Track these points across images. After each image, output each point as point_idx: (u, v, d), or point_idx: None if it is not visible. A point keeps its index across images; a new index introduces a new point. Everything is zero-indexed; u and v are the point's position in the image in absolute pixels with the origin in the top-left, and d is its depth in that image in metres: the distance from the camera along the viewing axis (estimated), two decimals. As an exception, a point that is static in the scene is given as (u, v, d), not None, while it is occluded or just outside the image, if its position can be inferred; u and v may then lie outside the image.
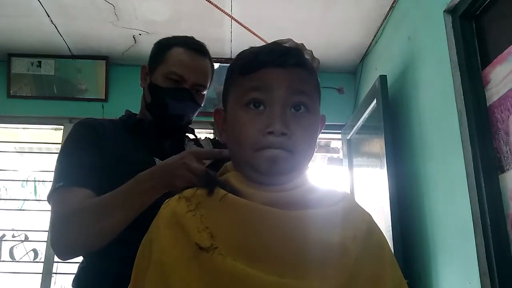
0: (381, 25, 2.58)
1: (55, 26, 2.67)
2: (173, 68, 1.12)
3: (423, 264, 1.94)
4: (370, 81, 2.66)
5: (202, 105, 1.18)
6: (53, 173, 1.03)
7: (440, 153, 1.83)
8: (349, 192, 2.43)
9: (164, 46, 1.17)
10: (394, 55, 2.38)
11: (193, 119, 1.21)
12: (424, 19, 2.01)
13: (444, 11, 1.78)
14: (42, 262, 2.75)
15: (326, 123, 0.76)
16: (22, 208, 3.25)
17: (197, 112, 1.19)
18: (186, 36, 1.18)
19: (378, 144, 2.24)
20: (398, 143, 2.20)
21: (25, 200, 3.46)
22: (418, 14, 2.10)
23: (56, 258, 2.63)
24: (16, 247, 3.40)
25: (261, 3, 2.45)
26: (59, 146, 2.92)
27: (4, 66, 2.96)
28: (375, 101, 2.29)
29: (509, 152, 1.46)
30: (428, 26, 1.95)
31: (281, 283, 0.57)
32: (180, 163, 0.84)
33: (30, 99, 2.96)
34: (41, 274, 2.68)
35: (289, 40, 0.80)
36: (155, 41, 1.21)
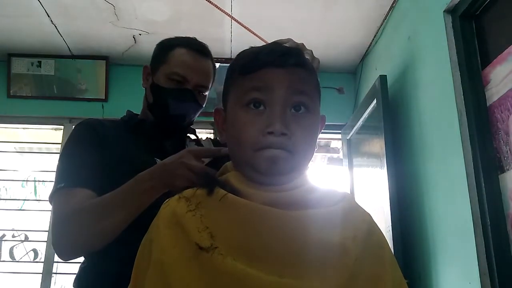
0: (381, 25, 2.58)
1: (55, 26, 2.67)
2: (176, 69, 1.12)
3: (423, 264, 1.94)
4: (370, 81, 2.66)
5: (204, 106, 1.18)
6: (54, 173, 1.03)
7: (440, 153, 1.83)
8: (349, 192, 2.43)
9: (166, 46, 1.17)
10: (394, 55, 2.38)
11: (194, 120, 1.21)
12: (424, 19, 2.01)
13: (444, 11, 1.78)
14: (42, 262, 2.75)
15: (326, 123, 0.76)
16: (22, 208, 3.25)
17: (199, 113, 1.19)
18: (188, 37, 1.18)
19: (378, 144, 2.24)
20: (398, 143, 2.20)
21: (25, 200, 3.46)
22: (418, 14, 2.10)
23: (56, 258, 2.64)
24: (16, 247, 3.40)
25: (261, 3, 2.45)
26: (59, 146, 2.92)
27: (4, 66, 2.96)
28: (375, 101, 2.29)
29: (509, 152, 1.46)
30: (428, 26, 1.95)
31: (281, 283, 0.57)
32: (179, 162, 0.84)
33: (30, 99, 2.97)
34: (41, 274, 2.68)
35: (289, 40, 0.80)
36: (155, 41, 1.21)
